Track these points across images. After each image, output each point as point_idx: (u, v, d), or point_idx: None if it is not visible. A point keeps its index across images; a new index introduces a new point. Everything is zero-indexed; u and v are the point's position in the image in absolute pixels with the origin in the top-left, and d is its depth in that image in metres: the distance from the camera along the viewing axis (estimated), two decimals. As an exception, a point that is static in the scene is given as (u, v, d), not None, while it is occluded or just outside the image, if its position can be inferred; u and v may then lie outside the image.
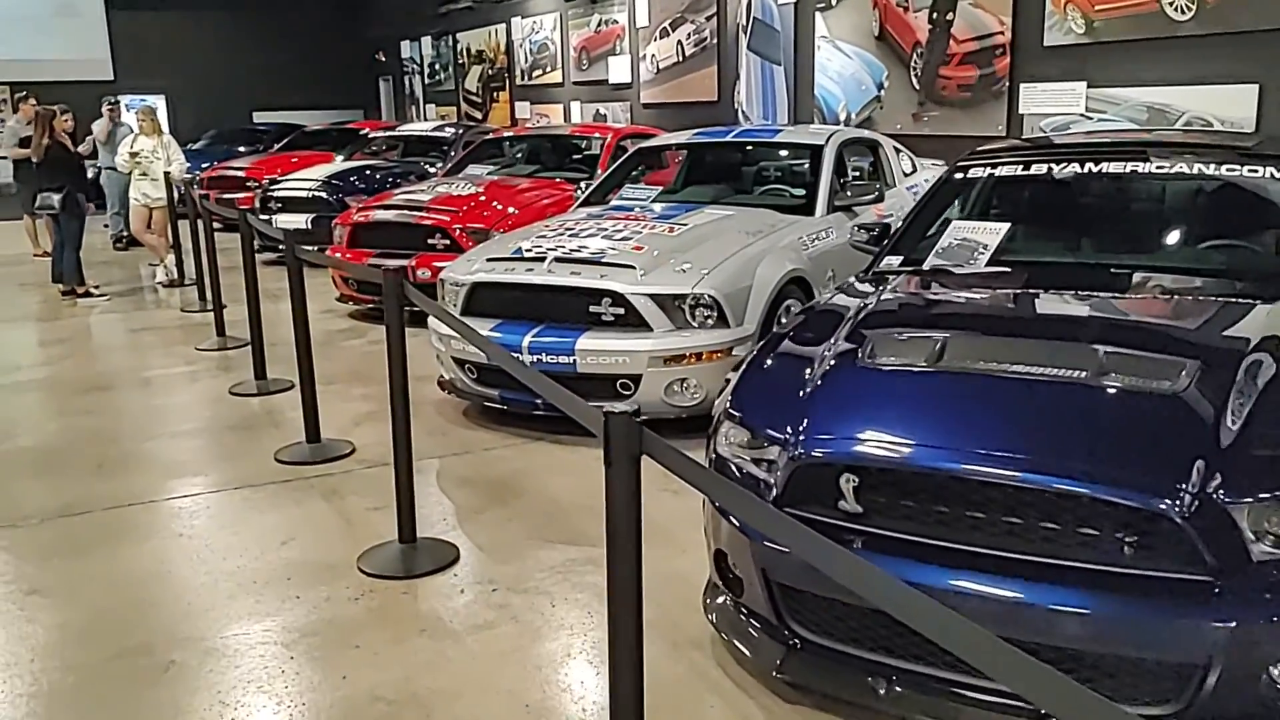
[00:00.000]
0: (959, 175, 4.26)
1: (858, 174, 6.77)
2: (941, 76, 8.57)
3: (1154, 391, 2.56)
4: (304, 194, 10.17)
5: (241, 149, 15.70)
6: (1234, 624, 2.18)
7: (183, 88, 19.62)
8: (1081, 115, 7.43)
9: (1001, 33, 7.96)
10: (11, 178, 11.74)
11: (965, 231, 3.94)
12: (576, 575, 3.58)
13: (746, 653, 2.87)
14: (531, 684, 2.92)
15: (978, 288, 3.60)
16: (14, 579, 3.67)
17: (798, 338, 3.29)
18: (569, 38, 14.48)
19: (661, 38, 12.46)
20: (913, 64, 8.86)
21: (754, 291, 5.01)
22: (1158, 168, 3.88)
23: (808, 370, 2.97)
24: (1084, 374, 2.64)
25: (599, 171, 8.04)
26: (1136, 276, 3.49)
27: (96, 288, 9.50)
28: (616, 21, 13.35)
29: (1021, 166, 4.12)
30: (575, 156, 9.33)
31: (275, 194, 10.37)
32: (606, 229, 5.51)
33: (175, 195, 9.68)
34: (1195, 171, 3.82)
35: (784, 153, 6.95)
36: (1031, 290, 3.55)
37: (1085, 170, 3.95)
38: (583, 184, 7.90)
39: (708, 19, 11.56)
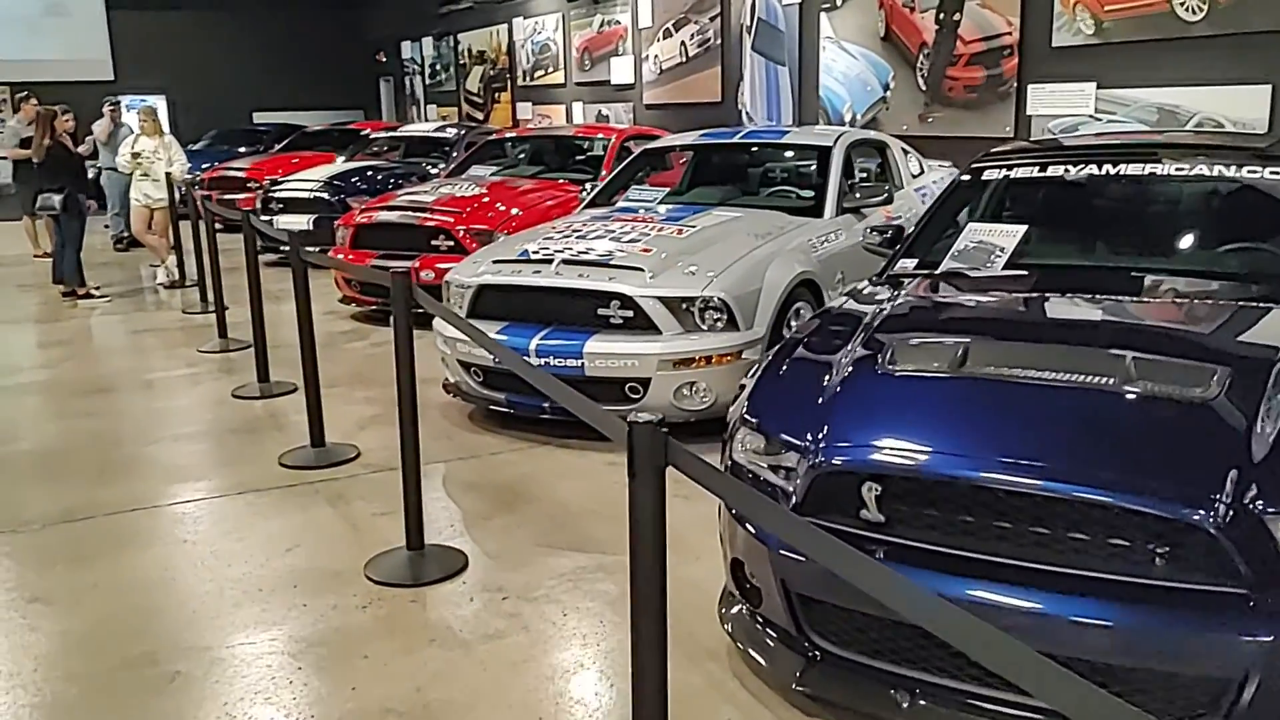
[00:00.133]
0: (973, 177, 4.20)
1: (866, 175, 6.71)
2: (948, 77, 8.52)
3: (1184, 399, 2.50)
4: (306, 195, 10.12)
5: (242, 149, 15.65)
6: (1271, 638, 2.12)
7: (183, 88, 19.57)
8: (1090, 116, 7.38)
9: (1009, 33, 7.91)
10: (11, 178, 11.68)
11: (981, 234, 3.88)
12: (587, 583, 3.52)
13: (764, 664, 2.81)
14: (545, 696, 2.87)
15: (996, 291, 3.54)
16: (16, 586, 3.61)
17: (813, 343, 3.23)
18: (571, 38, 14.43)
19: (665, 38, 12.41)
20: (919, 65, 8.81)
21: (764, 294, 4.96)
22: (1175, 170, 3.83)
23: (826, 376, 2.91)
24: (1111, 380, 2.59)
25: (603, 173, 7.98)
26: (1155, 280, 3.43)
27: (97, 289, 9.44)
28: (619, 22, 13.31)
29: (1037, 168, 4.06)
30: (579, 157, 9.27)
31: (276, 195, 10.31)
32: (614, 231, 5.45)
33: (176, 196, 9.64)
34: (1214, 173, 3.77)
35: (791, 154, 6.89)
36: (1050, 294, 3.49)
37: (1102, 172, 3.89)
38: (587, 185, 7.86)
39: (711, 19, 11.51)
